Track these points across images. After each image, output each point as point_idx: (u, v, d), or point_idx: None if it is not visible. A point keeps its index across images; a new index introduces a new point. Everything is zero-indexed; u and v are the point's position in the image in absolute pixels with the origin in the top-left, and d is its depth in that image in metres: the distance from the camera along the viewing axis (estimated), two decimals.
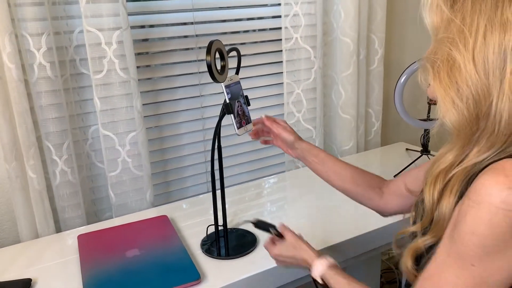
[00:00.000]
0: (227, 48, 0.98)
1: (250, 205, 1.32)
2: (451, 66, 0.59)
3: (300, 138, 1.03)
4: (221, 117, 0.99)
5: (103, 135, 1.25)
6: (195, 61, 1.43)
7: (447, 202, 0.62)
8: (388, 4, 1.62)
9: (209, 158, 1.51)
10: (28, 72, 1.13)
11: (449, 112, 0.59)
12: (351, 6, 1.48)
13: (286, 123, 1.06)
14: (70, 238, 1.17)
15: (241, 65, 1.05)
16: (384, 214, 0.96)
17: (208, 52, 0.92)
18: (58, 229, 1.26)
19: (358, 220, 1.18)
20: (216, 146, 1.03)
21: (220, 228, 1.11)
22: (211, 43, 0.93)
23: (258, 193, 1.41)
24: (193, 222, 1.23)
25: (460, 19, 0.58)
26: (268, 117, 1.05)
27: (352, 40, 1.52)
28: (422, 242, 0.65)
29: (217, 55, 0.95)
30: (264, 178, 1.55)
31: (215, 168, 1.04)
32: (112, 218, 1.34)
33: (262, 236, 1.13)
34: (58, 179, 1.22)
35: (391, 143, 1.81)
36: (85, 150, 1.31)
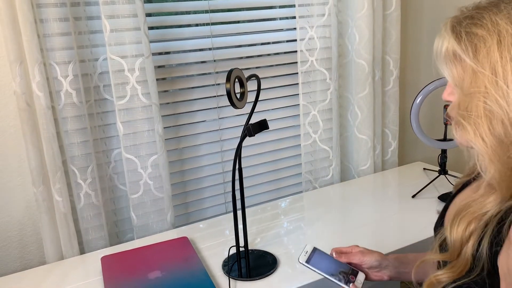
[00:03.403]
0: (246, 75, 1.02)
1: (269, 225, 1.33)
2: (490, 121, 0.56)
3: (382, 255, 0.90)
4: (241, 139, 1.02)
5: (125, 158, 1.29)
6: (213, 85, 1.47)
7: (474, 243, 0.60)
8: (402, 25, 1.64)
9: (228, 179, 1.55)
10: (55, 99, 1.18)
11: (493, 165, 0.57)
12: (366, 29, 1.51)
13: (358, 246, 0.93)
14: (93, 260, 1.20)
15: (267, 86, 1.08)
16: None
17: (228, 79, 0.96)
18: (82, 251, 1.29)
19: (378, 242, 1.18)
20: (237, 167, 1.05)
21: (241, 249, 1.12)
22: (230, 71, 0.97)
23: (276, 214, 1.42)
24: (212, 243, 1.25)
25: (490, 70, 0.56)
26: (338, 253, 0.91)
27: (367, 62, 1.54)
28: (444, 276, 0.65)
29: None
30: (282, 199, 1.56)
31: (236, 189, 1.06)
32: (133, 238, 1.36)
33: (282, 257, 1.14)
34: (83, 202, 1.25)
35: (409, 163, 1.81)
36: (108, 173, 1.34)
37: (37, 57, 1.11)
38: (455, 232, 0.63)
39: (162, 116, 1.32)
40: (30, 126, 1.14)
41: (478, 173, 0.62)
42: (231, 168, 1.06)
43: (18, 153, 1.22)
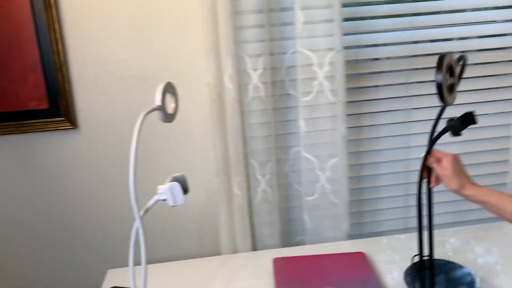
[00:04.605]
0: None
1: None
2: None
3: (463, 185, 0.91)
4: (437, 138, 0.85)
5: (303, 157, 1.23)
6: (405, 83, 1.30)
7: None
8: None
9: (410, 192, 1.37)
10: (242, 92, 1.17)
11: None
12: None
13: (455, 159, 0.92)
14: (265, 259, 1.17)
15: (464, 89, 0.90)
16: None
17: (439, 67, 0.79)
18: (254, 246, 1.27)
19: None
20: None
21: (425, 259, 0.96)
22: (442, 56, 0.80)
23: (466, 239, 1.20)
24: (391, 263, 1.11)
25: None
26: (433, 155, 0.93)
27: None
28: None
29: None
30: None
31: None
32: (303, 241, 1.31)
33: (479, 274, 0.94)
34: (259, 197, 1.23)
35: None
36: (285, 170, 1.30)
37: (231, 50, 1.11)
38: None
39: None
40: (219, 118, 1.16)
41: None
42: (417, 178, 0.92)
43: (204, 142, 1.25)
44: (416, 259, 0.97)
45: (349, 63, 1.26)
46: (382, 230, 1.38)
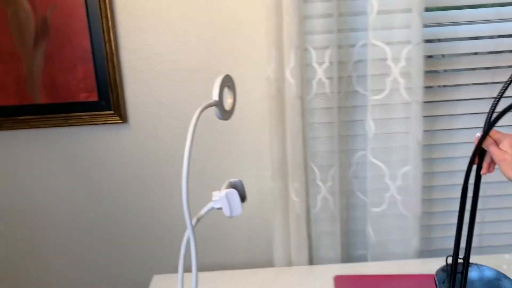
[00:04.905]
0: None
1: None
2: None
3: None
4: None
5: (370, 163, 1.10)
6: (488, 83, 1.14)
7: None
8: None
9: (488, 206, 1.21)
10: (304, 88, 1.06)
11: None
12: None
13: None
14: (324, 275, 1.05)
15: None
16: None
17: None
18: (310, 258, 1.16)
19: None
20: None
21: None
22: None
23: None
24: None
25: None
26: (491, 135, 0.75)
27: None
28: None
29: None
30: None
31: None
32: (365, 256, 1.18)
33: None
34: (319, 206, 1.11)
35: None
36: (347, 176, 1.17)
37: (295, 41, 0.99)
38: None
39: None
40: (277, 116, 1.05)
41: None
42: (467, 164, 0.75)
43: (258, 142, 1.15)
44: (449, 261, 0.82)
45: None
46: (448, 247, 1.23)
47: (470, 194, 0.77)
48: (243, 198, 0.76)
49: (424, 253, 1.18)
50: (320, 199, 1.11)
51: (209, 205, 0.74)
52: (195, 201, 1.10)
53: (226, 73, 0.77)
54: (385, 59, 1.02)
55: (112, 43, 1.08)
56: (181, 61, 1.10)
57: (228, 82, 0.79)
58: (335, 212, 1.12)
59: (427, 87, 1.15)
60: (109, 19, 1.06)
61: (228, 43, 1.09)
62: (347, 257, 1.20)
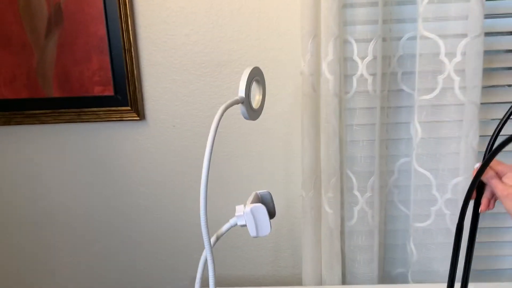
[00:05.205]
0: None
1: None
2: None
3: None
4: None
5: (415, 171, 0.96)
6: None
7: None
8: None
9: None
10: (342, 85, 0.94)
11: None
12: None
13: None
14: None
15: None
16: None
17: None
18: (343, 277, 1.04)
19: None
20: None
21: None
22: None
23: None
24: None
25: None
26: (492, 167, 0.64)
27: None
28: None
29: None
30: None
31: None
32: (405, 274, 1.05)
33: None
34: (355, 218, 0.99)
35: None
36: (388, 185, 1.04)
37: (334, 31, 0.87)
38: None
39: None
40: (311, 115, 0.93)
41: None
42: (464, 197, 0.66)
43: (288, 145, 1.03)
44: None
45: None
46: (502, 267, 1.09)
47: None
48: (272, 214, 0.64)
49: (472, 272, 1.04)
50: (357, 211, 0.98)
51: (232, 221, 0.64)
52: (215, 210, 0.99)
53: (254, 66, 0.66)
54: (437, 54, 0.89)
55: (130, 32, 0.98)
56: (204, 53, 0.99)
57: (257, 76, 0.68)
58: (373, 226, 1.00)
59: (484, 87, 1.01)
60: (127, 5, 0.96)
61: (257, 33, 0.97)
62: (384, 275, 1.07)
